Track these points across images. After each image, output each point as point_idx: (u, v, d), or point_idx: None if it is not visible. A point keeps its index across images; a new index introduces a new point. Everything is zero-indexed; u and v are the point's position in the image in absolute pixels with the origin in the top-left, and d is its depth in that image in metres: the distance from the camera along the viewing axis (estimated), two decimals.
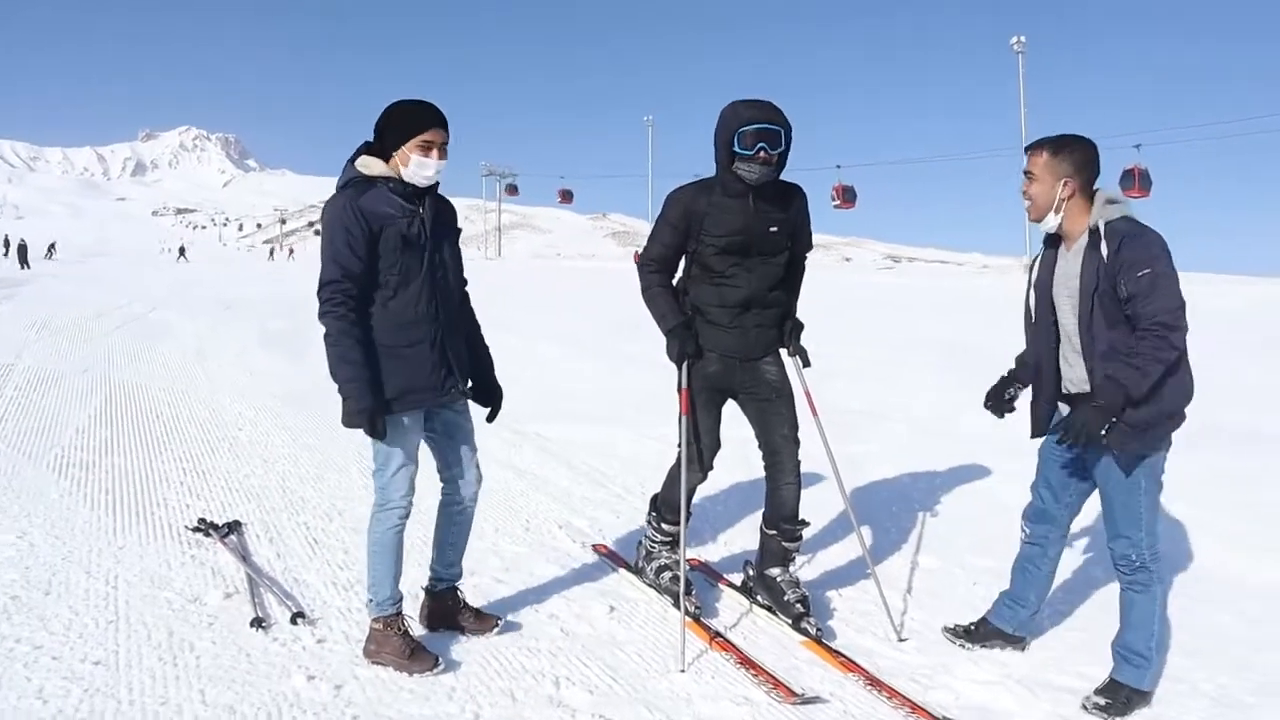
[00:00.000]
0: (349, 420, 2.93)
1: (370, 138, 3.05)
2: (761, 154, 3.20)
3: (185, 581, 3.73)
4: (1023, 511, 3.29)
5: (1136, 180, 30.06)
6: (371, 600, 3.12)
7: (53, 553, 3.99)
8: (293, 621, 3.35)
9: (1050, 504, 3.18)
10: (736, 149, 3.21)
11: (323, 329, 2.92)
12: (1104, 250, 2.80)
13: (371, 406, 2.89)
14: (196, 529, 4.33)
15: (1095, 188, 2.94)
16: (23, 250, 38.24)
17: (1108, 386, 2.75)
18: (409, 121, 2.97)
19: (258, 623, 3.32)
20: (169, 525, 4.45)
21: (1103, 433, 2.75)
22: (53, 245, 51.58)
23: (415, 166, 2.96)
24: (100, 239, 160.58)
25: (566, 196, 52.80)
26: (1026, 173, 2.99)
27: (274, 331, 13.60)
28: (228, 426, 6.78)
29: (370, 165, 2.99)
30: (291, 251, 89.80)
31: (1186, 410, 2.87)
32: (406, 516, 3.12)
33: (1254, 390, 8.14)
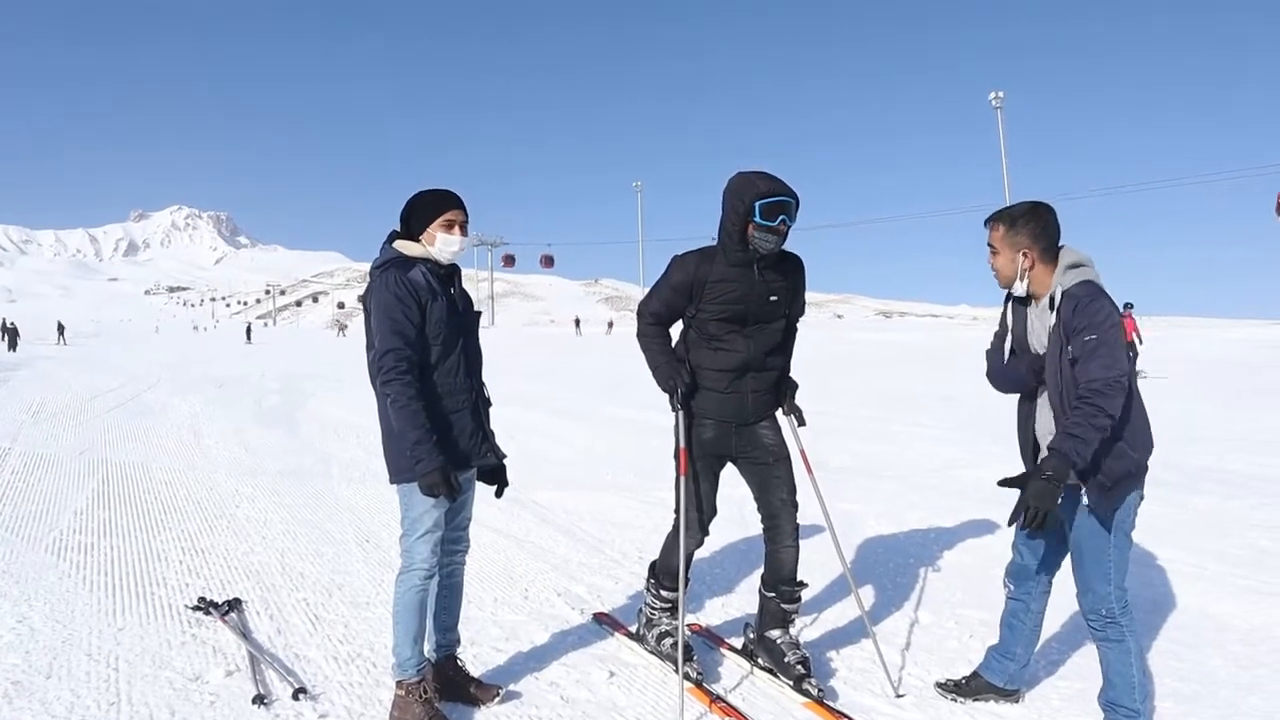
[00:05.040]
0: (427, 483, 2.99)
1: (390, 226, 3.30)
2: (781, 225, 3.29)
3: (186, 660, 3.74)
4: (1005, 568, 3.32)
5: None
6: (394, 662, 3.19)
7: (53, 636, 4.00)
8: (295, 698, 3.36)
9: (1029, 560, 3.21)
10: (758, 219, 3.26)
11: (387, 395, 3.01)
12: (1055, 317, 2.86)
13: (444, 464, 3.00)
14: (196, 608, 4.35)
15: (1061, 245, 2.98)
16: (13, 333, 38.28)
17: (1052, 458, 2.77)
18: (432, 205, 3.23)
19: (260, 700, 3.33)
20: (169, 604, 4.46)
21: (1058, 503, 2.76)
22: (61, 327, 51.12)
23: (441, 243, 3.21)
24: (93, 320, 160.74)
25: (548, 262, 54.74)
26: (989, 245, 3.05)
27: (268, 408, 13.67)
28: (225, 504, 6.80)
29: (407, 247, 3.22)
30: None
31: (1148, 462, 2.92)
32: (430, 578, 3.19)
33: (1240, 433, 8.24)
